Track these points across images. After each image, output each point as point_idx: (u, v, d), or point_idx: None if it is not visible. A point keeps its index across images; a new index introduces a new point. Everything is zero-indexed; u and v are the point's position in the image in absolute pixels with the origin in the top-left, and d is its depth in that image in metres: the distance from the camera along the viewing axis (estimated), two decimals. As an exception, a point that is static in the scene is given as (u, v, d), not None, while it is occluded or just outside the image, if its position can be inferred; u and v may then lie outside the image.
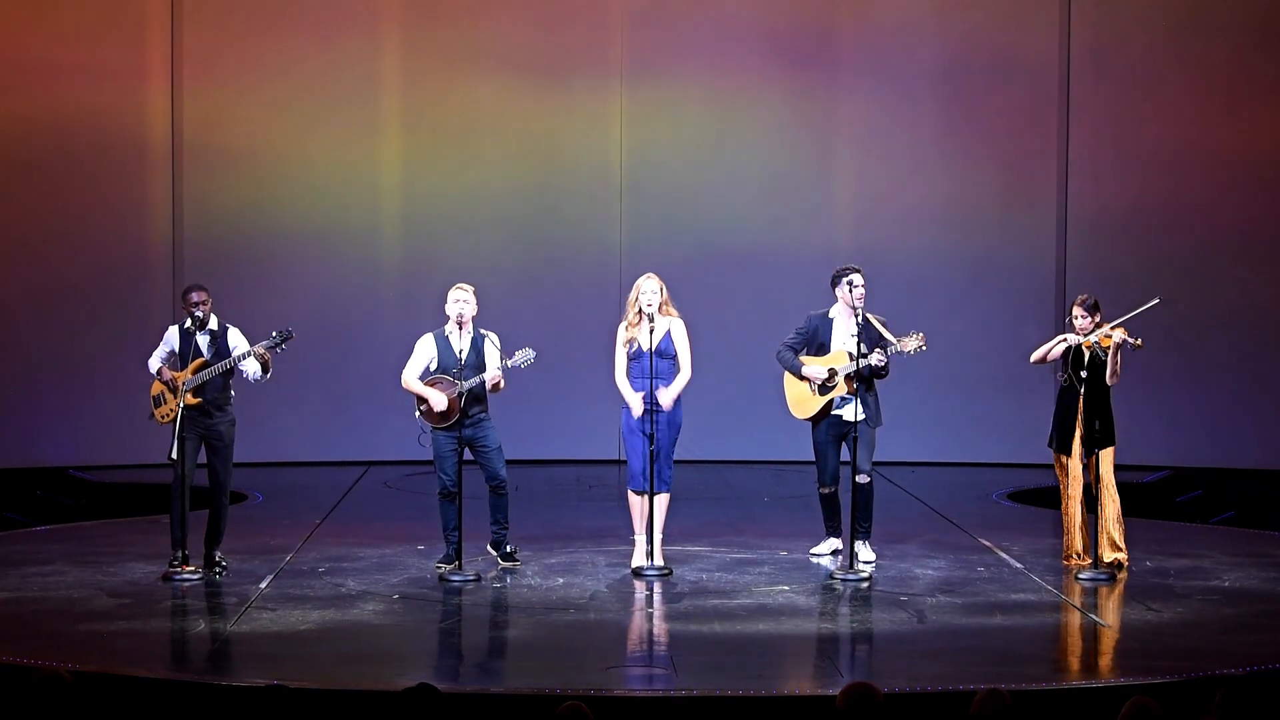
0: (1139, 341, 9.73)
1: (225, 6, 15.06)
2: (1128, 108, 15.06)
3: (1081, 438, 9.94)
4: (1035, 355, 10.19)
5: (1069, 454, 10.05)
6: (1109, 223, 15.10)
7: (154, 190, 14.97)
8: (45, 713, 5.37)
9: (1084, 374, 9.86)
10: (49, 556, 10.51)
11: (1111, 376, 9.84)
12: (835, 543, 10.40)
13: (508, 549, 10.07)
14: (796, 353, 10.16)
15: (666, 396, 9.76)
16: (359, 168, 15.20)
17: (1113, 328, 9.79)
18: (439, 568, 9.80)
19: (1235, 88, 14.96)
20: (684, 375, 9.85)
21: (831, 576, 9.77)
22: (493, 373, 9.69)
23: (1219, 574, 10.07)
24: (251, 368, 9.74)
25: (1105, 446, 9.95)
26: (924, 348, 9.94)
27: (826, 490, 10.27)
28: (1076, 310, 9.95)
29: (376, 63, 15.20)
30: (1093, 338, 9.81)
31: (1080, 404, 9.90)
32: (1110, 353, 9.79)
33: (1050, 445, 10.21)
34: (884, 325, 10.00)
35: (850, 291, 10.01)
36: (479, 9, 15.27)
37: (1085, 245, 15.10)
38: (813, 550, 10.48)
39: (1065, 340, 9.95)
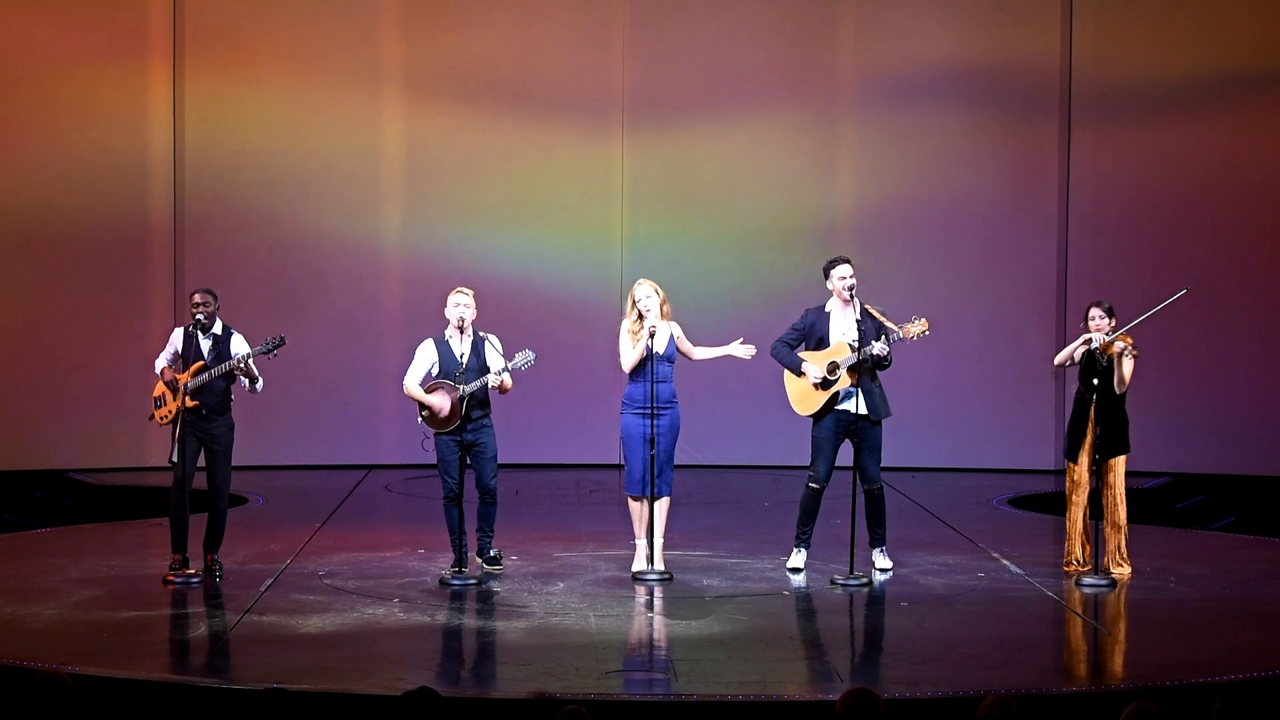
0: (1136, 351, 9.70)
1: (228, 28, 15.10)
2: (1129, 112, 15.07)
3: (1092, 445, 9.88)
4: (1058, 358, 10.09)
5: (1077, 460, 9.99)
6: (1110, 228, 15.13)
7: (155, 194, 14.99)
8: (46, 715, 5.37)
9: (1095, 381, 9.81)
10: (48, 559, 10.51)
11: (1119, 384, 9.80)
12: (805, 556, 10.11)
13: (492, 554, 10.07)
14: (793, 348, 9.99)
15: (710, 351, 9.93)
16: (361, 172, 15.22)
17: (1121, 335, 9.75)
18: (443, 574, 9.77)
19: (1238, 91, 14.96)
20: (705, 353, 9.98)
21: (832, 581, 9.74)
22: (495, 376, 9.67)
23: (1219, 580, 10.06)
24: (242, 376, 9.73)
25: (1117, 454, 9.92)
26: (927, 333, 9.77)
27: (819, 486, 9.96)
28: (1094, 311, 9.88)
29: (377, 62, 15.23)
30: (1097, 339, 9.76)
31: (1091, 411, 9.86)
32: (1115, 361, 9.77)
33: (1064, 454, 10.12)
34: (884, 315, 9.87)
35: (839, 282, 9.93)
36: (478, 8, 15.32)
37: (1086, 250, 15.12)
38: (790, 565, 10.13)
39: (1090, 341, 9.82)
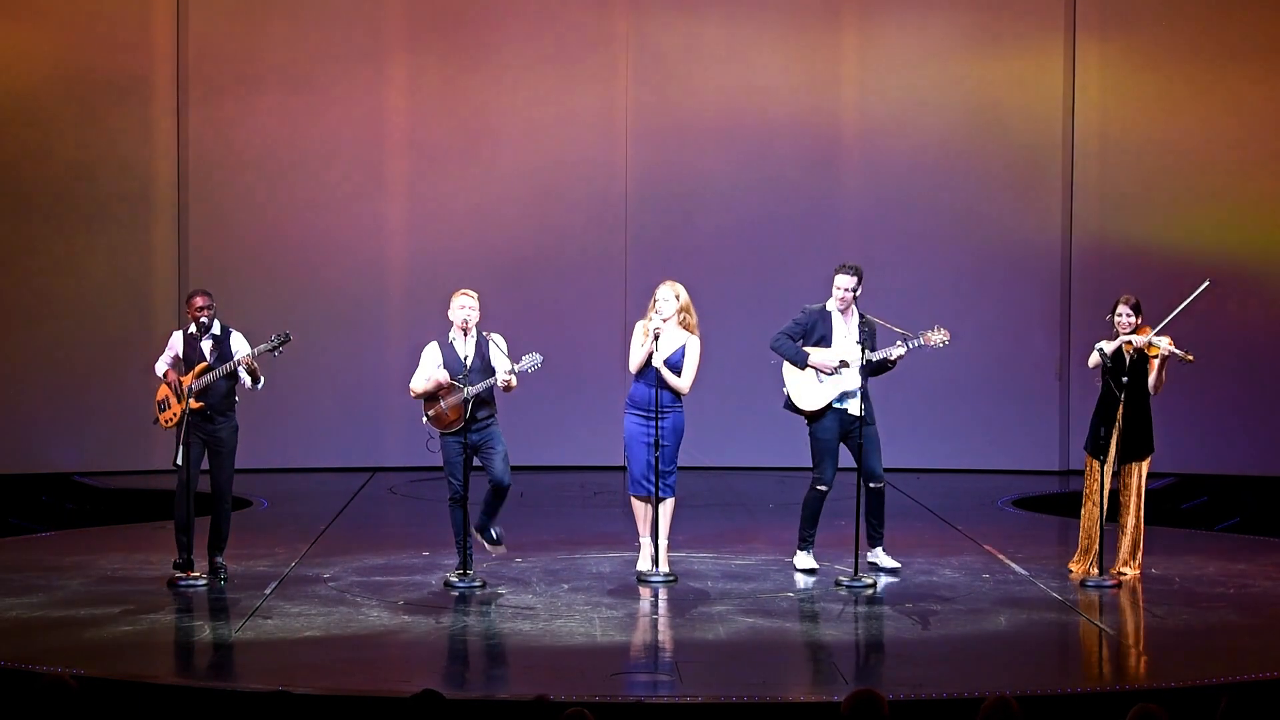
0: (1190, 355, 9.59)
1: (232, 12, 15.11)
2: (1134, 103, 15.03)
3: (1117, 445, 9.76)
4: (1093, 360, 9.81)
5: (1099, 458, 9.82)
6: (1114, 227, 15.09)
7: (159, 197, 15.00)
8: (50, 718, 5.38)
9: (1125, 379, 9.71)
10: (53, 562, 10.52)
11: (1155, 386, 9.73)
12: (811, 558, 10.14)
13: (492, 533, 9.94)
14: (795, 342, 9.99)
15: (668, 373, 9.72)
16: (365, 173, 15.22)
17: (1157, 334, 9.68)
18: (448, 576, 9.76)
19: (1246, 85, 14.94)
20: (680, 382, 9.85)
21: (837, 583, 9.74)
22: (502, 377, 9.65)
23: (1223, 581, 10.05)
24: (244, 374, 9.72)
25: (1142, 457, 9.86)
26: (948, 342, 9.80)
27: (826, 489, 9.96)
28: (1122, 308, 9.76)
29: (382, 67, 15.22)
30: (1135, 340, 9.68)
31: (1120, 411, 9.73)
32: (1158, 363, 9.69)
33: (1086, 448, 10.00)
34: (887, 324, 9.90)
35: (835, 292, 9.89)
36: (485, 16, 15.30)
37: (1090, 252, 15.09)
38: (798, 566, 10.16)
39: (1129, 342, 9.66)
